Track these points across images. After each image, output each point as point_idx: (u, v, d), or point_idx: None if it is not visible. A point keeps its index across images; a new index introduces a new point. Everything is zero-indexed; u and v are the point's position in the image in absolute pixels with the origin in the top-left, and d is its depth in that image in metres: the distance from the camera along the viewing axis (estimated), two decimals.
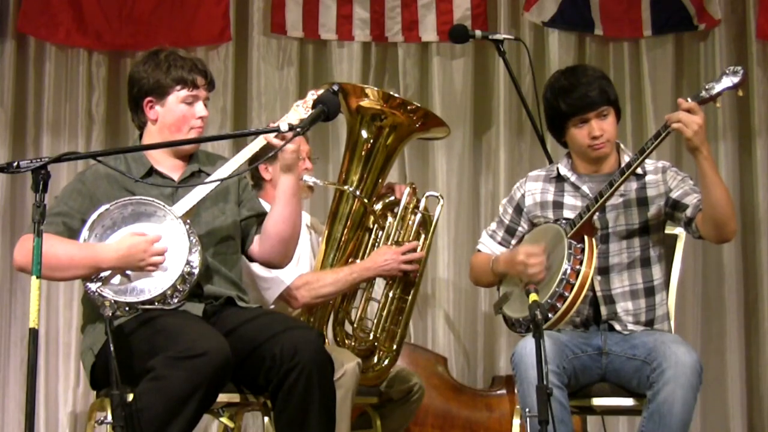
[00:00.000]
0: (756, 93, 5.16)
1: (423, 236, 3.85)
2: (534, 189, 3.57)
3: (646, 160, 3.39)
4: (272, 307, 3.71)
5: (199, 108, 3.32)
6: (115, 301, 3.04)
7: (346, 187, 3.83)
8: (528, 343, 3.16)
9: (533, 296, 3.03)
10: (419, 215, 3.86)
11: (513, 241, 3.59)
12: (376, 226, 3.86)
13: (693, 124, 3.18)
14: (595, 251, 3.32)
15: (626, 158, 3.44)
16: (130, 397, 2.94)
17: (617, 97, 3.49)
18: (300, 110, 3.20)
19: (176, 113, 3.30)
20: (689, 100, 3.24)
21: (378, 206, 3.86)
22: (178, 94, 3.30)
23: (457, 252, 5.12)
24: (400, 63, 5.23)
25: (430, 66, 5.22)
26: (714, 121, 5.19)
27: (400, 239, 3.83)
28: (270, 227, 3.30)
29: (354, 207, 3.83)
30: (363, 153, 3.85)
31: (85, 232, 3.10)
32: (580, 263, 3.29)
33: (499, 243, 3.61)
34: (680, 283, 3.71)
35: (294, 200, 3.25)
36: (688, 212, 3.38)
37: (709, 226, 3.32)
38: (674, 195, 3.42)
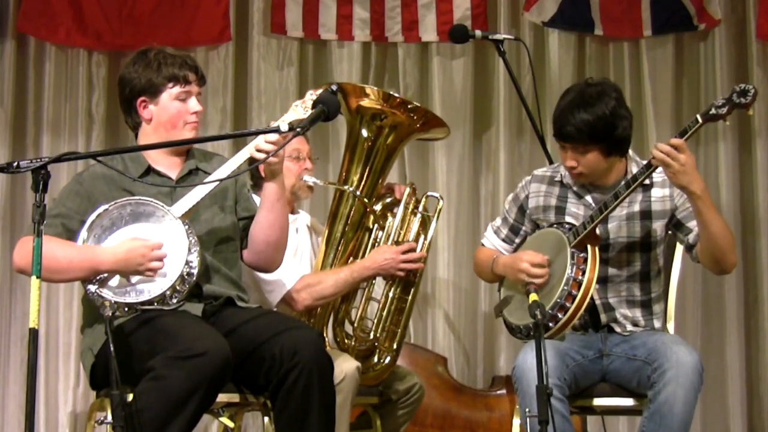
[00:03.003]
0: None
1: (423, 236, 3.84)
2: (538, 191, 3.55)
3: (655, 172, 3.36)
4: (275, 309, 3.71)
5: (193, 103, 3.32)
6: (115, 302, 3.04)
7: (346, 187, 3.83)
8: (528, 356, 3.13)
9: (533, 296, 3.03)
10: (419, 215, 3.85)
11: (517, 240, 3.58)
12: (376, 226, 3.85)
13: (674, 164, 3.16)
14: (598, 261, 3.31)
15: (634, 168, 3.40)
16: (130, 397, 2.94)
17: (613, 131, 3.32)
18: (299, 110, 3.20)
19: (170, 110, 3.30)
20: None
21: (378, 206, 3.85)
22: (170, 92, 3.30)
23: (457, 252, 5.12)
24: (400, 63, 5.22)
25: (430, 66, 5.22)
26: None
27: (400, 239, 3.82)
28: (256, 233, 3.30)
29: (354, 207, 3.83)
30: (363, 153, 3.85)
31: (83, 233, 3.09)
32: (583, 273, 3.27)
33: (503, 240, 3.61)
34: (680, 283, 3.70)
35: (278, 206, 3.25)
36: (691, 238, 3.37)
37: (707, 259, 3.32)
38: (679, 215, 3.40)
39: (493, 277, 3.57)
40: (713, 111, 3.22)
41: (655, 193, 3.43)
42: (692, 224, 3.35)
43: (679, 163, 3.16)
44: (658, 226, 3.42)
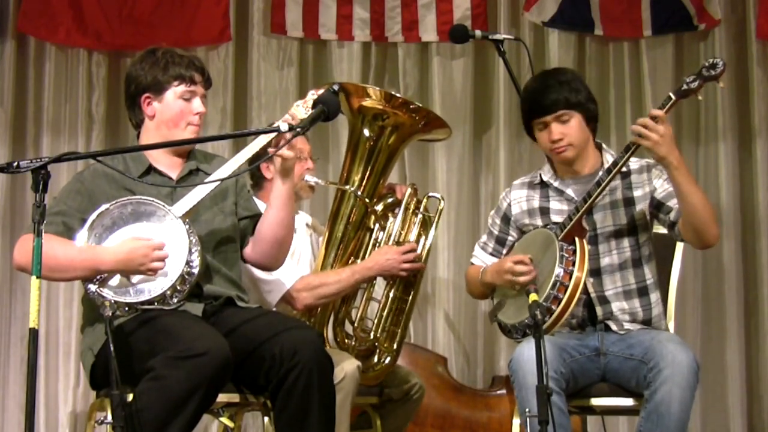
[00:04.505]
0: (756, 93, 5.16)
1: (423, 237, 3.85)
2: (519, 197, 3.57)
3: (631, 159, 3.39)
4: (274, 309, 3.71)
5: (197, 104, 3.33)
6: (115, 302, 3.05)
7: (347, 187, 3.83)
8: (525, 349, 3.15)
9: (533, 296, 3.03)
10: (420, 216, 3.85)
11: (504, 251, 3.59)
12: (377, 226, 3.85)
13: (653, 135, 3.19)
14: (587, 252, 3.32)
15: (609, 158, 3.45)
16: (130, 397, 2.94)
17: (588, 101, 3.45)
18: (300, 110, 3.20)
19: (174, 109, 3.30)
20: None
21: (379, 206, 3.85)
22: (175, 90, 3.30)
23: (457, 252, 5.12)
24: (400, 63, 5.23)
25: (430, 66, 5.22)
26: (714, 121, 5.20)
27: (400, 240, 3.82)
28: (264, 229, 3.30)
29: (355, 207, 3.83)
30: (364, 153, 3.84)
31: (84, 232, 3.09)
32: (573, 265, 3.28)
33: (491, 254, 3.62)
34: (680, 283, 3.71)
35: (289, 205, 3.25)
36: (672, 216, 3.38)
37: (689, 232, 3.33)
38: (658, 195, 3.42)
39: (483, 289, 3.58)
40: (684, 87, 3.27)
41: (634, 179, 3.46)
42: (672, 203, 3.37)
43: (659, 134, 3.20)
44: (641, 209, 3.44)
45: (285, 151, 3.12)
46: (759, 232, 5.15)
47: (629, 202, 3.45)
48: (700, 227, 3.29)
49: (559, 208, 3.48)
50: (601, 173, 3.35)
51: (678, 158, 3.23)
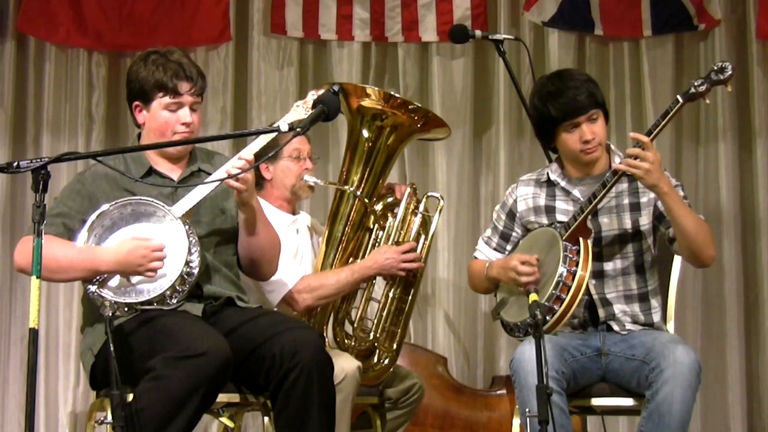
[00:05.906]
0: (756, 93, 5.16)
1: (423, 237, 3.85)
2: (526, 194, 3.56)
3: None
4: (275, 309, 3.71)
5: (183, 114, 3.29)
6: (115, 302, 3.05)
7: (346, 187, 3.83)
8: (526, 349, 3.15)
9: (533, 296, 3.03)
10: (419, 216, 3.85)
11: (508, 247, 3.58)
12: (376, 226, 3.85)
13: (643, 164, 3.19)
14: (591, 253, 3.31)
15: (617, 159, 3.43)
16: (130, 397, 2.94)
17: (605, 99, 3.46)
18: (300, 110, 3.20)
19: (159, 120, 3.28)
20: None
21: (378, 206, 3.85)
22: (161, 101, 3.27)
23: (457, 252, 5.12)
24: (400, 63, 5.23)
25: (430, 66, 5.22)
26: (714, 121, 5.20)
27: (400, 239, 3.82)
28: (240, 251, 3.32)
29: (354, 207, 3.83)
30: (364, 153, 3.85)
31: (84, 233, 3.09)
32: (576, 265, 3.28)
33: (495, 249, 3.61)
34: (680, 283, 3.70)
35: (255, 229, 3.25)
36: (671, 232, 3.38)
37: (685, 252, 3.35)
38: (661, 207, 3.40)
39: (487, 284, 3.57)
40: (692, 90, 3.28)
41: (641, 183, 3.44)
42: None
43: (648, 162, 3.20)
44: (646, 215, 3.44)
45: (235, 183, 3.10)
46: (759, 232, 5.14)
47: (635, 207, 3.43)
48: (695, 249, 3.31)
49: (564, 208, 3.47)
50: (607, 174, 3.35)
51: (668, 184, 3.24)
